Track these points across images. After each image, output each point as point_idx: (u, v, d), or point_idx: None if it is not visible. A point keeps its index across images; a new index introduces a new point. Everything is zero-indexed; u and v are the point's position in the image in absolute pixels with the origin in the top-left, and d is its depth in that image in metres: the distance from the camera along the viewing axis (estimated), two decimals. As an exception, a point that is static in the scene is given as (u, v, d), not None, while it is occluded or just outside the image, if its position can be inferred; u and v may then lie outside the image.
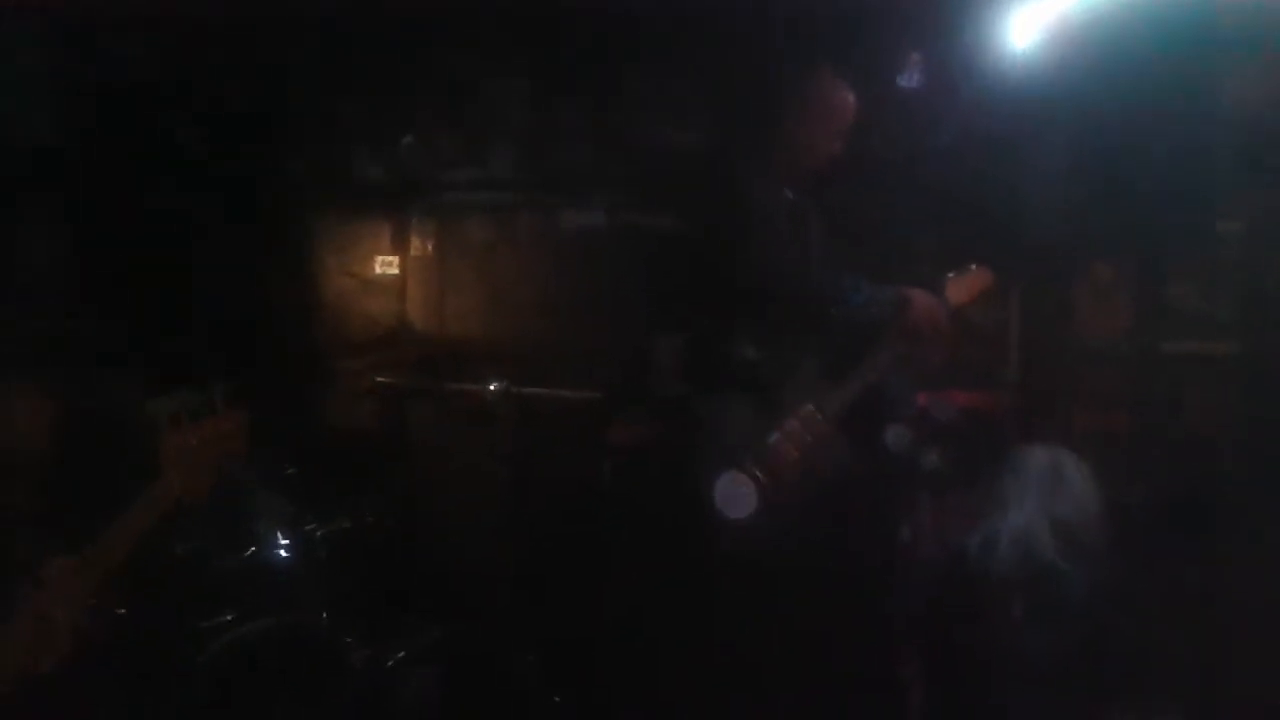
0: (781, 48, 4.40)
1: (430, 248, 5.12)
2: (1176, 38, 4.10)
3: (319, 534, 3.39)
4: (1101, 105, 4.35)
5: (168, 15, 4.33)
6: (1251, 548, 4.07)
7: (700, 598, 3.59)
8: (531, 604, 4.05)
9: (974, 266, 3.72)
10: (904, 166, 4.45)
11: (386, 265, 5.10)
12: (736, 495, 3.38)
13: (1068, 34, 4.04)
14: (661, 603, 3.87)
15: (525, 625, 3.99)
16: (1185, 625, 3.49)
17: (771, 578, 3.48)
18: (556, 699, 3.67)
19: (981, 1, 4.12)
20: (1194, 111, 4.38)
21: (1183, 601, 3.60)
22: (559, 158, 5.07)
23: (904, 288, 3.61)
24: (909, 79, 4.21)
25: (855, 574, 3.57)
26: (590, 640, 4.02)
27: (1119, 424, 4.72)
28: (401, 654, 3.37)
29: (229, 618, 3.19)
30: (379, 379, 4.38)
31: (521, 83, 5.04)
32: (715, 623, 3.56)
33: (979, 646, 3.46)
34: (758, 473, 3.39)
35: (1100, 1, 3.82)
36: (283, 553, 3.26)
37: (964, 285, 3.69)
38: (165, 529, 2.59)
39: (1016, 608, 3.22)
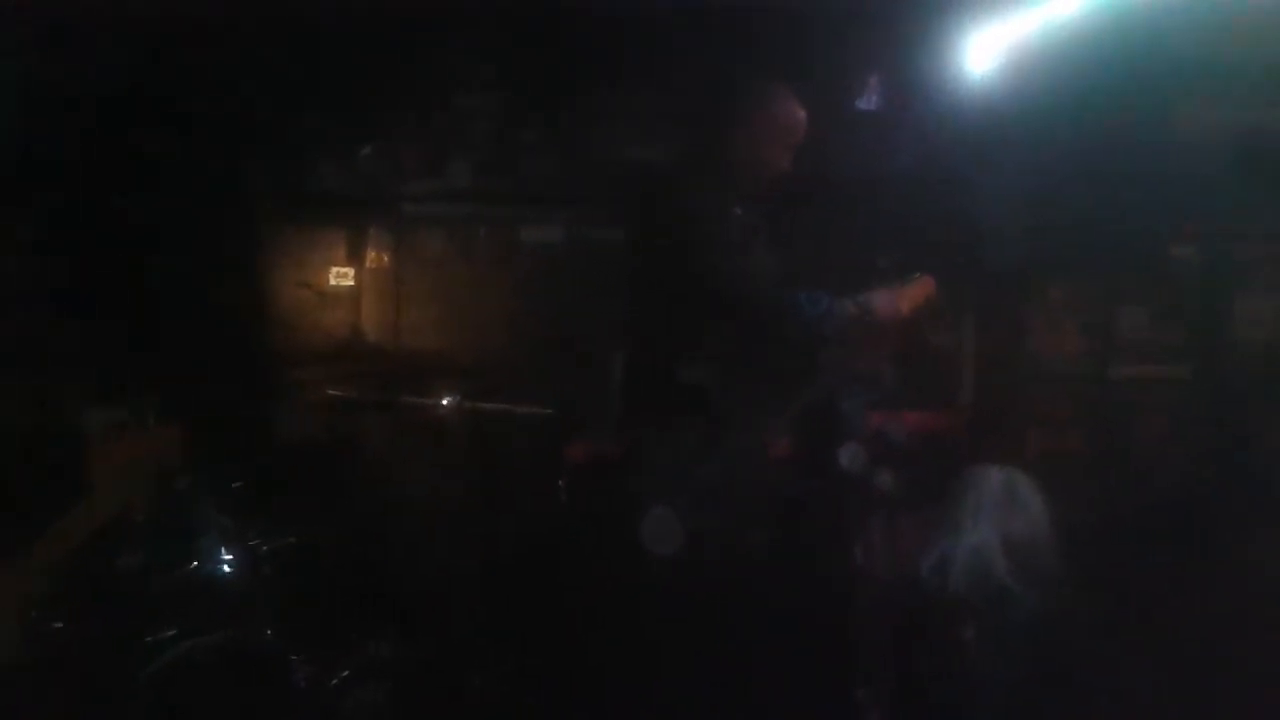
0: (734, 64, 4.42)
1: (387, 260, 5.08)
2: (1132, 65, 4.15)
3: (265, 549, 3.34)
4: (1056, 130, 4.39)
5: (127, 22, 4.30)
6: (1204, 566, 4.11)
7: (656, 618, 3.57)
8: (483, 622, 4.01)
9: (917, 275, 3.71)
10: (859, 185, 4.47)
11: (341, 277, 5.05)
12: (660, 531, 3.37)
13: (1024, 59, 4.08)
14: (618, 621, 3.86)
15: (476, 643, 3.95)
16: (1139, 646, 3.50)
17: (724, 599, 3.46)
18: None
19: (939, 25, 4.14)
20: (1148, 138, 4.44)
21: (1136, 621, 3.63)
22: (517, 171, 5.06)
23: (865, 294, 3.61)
24: (867, 101, 4.23)
25: (808, 594, 3.56)
26: (543, 659, 3.98)
27: (1071, 444, 4.76)
28: (346, 672, 3.33)
29: (172, 633, 3.13)
30: (331, 392, 4.33)
31: (481, 97, 5.03)
32: (671, 642, 3.54)
33: (934, 668, 3.46)
34: (681, 507, 3.38)
35: (1057, 28, 3.85)
36: (227, 568, 3.21)
37: (908, 295, 3.68)
38: (102, 542, 2.54)
39: (969, 629, 3.22)
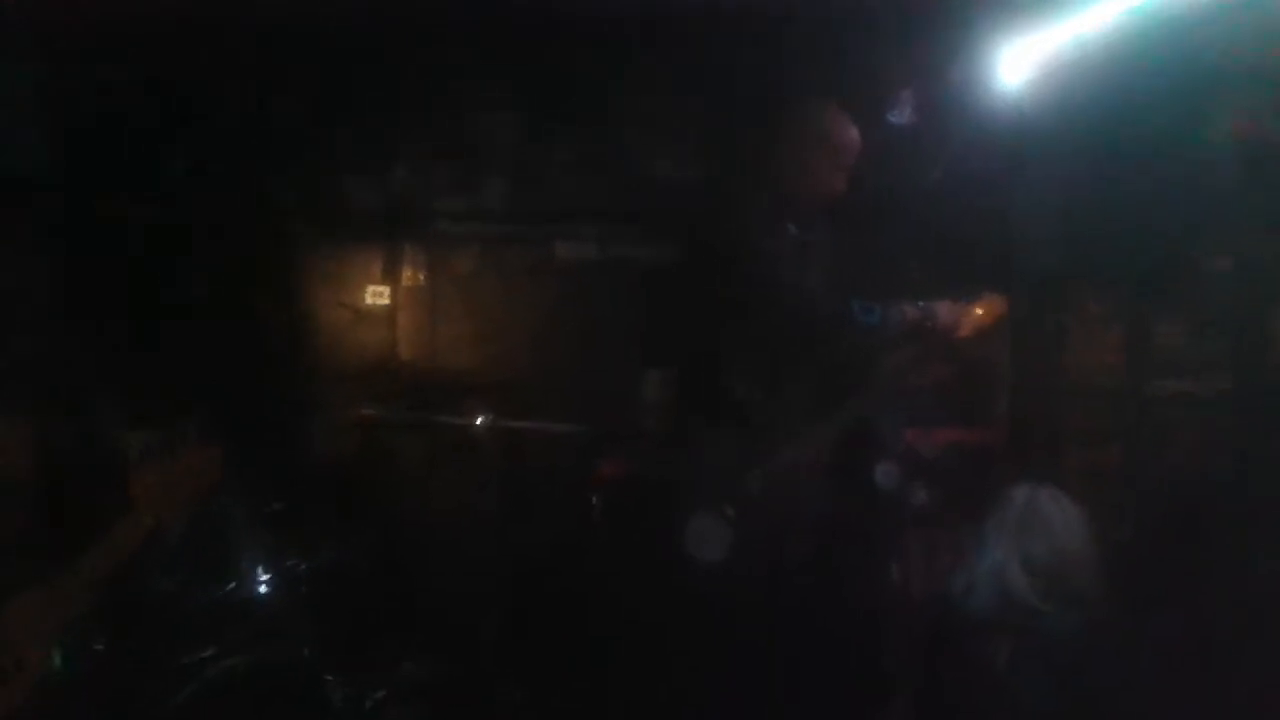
0: (778, 79, 4.42)
1: (422, 278, 5.10)
2: (1167, 76, 4.11)
3: (302, 569, 3.37)
4: (1093, 142, 4.36)
5: (159, 36, 4.35)
6: (1240, 584, 4.06)
7: (688, 634, 3.57)
8: (518, 641, 4.02)
9: (986, 294, 3.71)
10: (899, 201, 4.46)
11: (378, 295, 5.08)
12: (708, 537, 3.37)
13: (1061, 72, 4.05)
14: (649, 639, 3.86)
15: (512, 662, 3.96)
16: (1173, 667, 3.46)
17: (757, 615, 3.46)
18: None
19: (975, 38, 4.12)
20: (1184, 149, 4.40)
21: (1170, 642, 3.58)
22: (552, 189, 5.07)
23: (927, 301, 3.62)
24: (900, 115, 4.22)
25: (842, 612, 3.55)
26: (577, 677, 3.99)
27: (1108, 461, 4.71)
28: (383, 692, 3.34)
29: (209, 653, 3.16)
30: (366, 411, 4.36)
31: (516, 113, 5.05)
32: (703, 659, 3.54)
33: (966, 687, 3.44)
34: (730, 514, 3.38)
35: (1091, 40, 3.82)
36: (264, 588, 3.23)
37: (975, 312, 3.68)
38: (140, 563, 2.57)
39: (998, 649, 3.19)
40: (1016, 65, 4.08)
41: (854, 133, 3.60)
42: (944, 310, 3.61)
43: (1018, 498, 3.21)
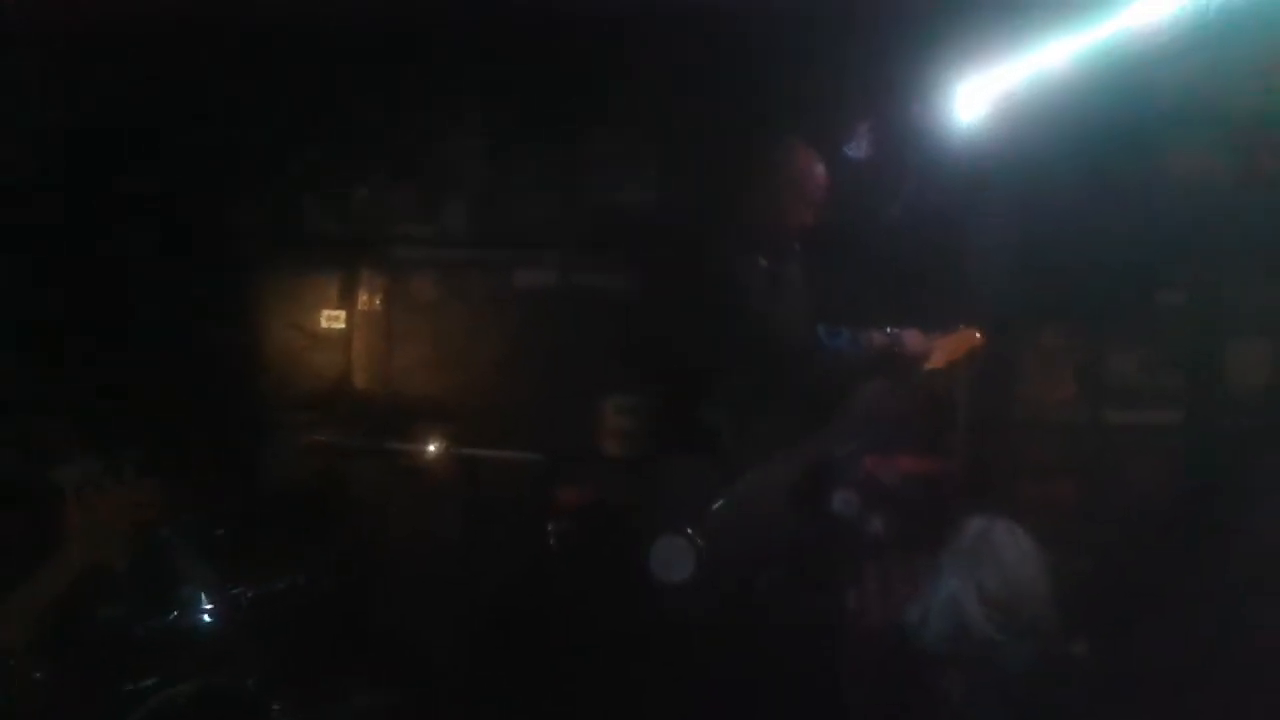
0: (753, 117, 4.44)
1: (379, 303, 5.06)
2: (1120, 114, 4.16)
3: (249, 596, 3.31)
4: (1050, 177, 4.40)
5: (110, 59, 4.30)
6: (1196, 615, 4.07)
7: (646, 663, 3.55)
8: (474, 671, 3.97)
9: (962, 327, 3.74)
10: (858, 235, 4.48)
11: (333, 320, 5.03)
12: (673, 558, 3.37)
13: (1018, 107, 4.09)
14: (608, 668, 3.83)
15: (467, 693, 3.91)
16: (1128, 697, 3.46)
17: (714, 642, 3.44)
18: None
19: (932, 75, 4.16)
20: (1138, 184, 4.45)
21: (1128, 674, 3.59)
22: (512, 215, 5.05)
23: (894, 330, 3.64)
24: (857, 149, 4.24)
25: (799, 639, 3.53)
26: (534, 707, 3.94)
27: (1063, 492, 4.74)
28: (330, 723, 3.30)
29: (153, 681, 3.10)
30: (318, 437, 4.31)
31: (477, 139, 5.03)
32: (661, 687, 3.52)
33: (921, 713, 3.42)
34: (696, 537, 3.37)
35: (1048, 75, 3.86)
36: (211, 615, 3.18)
37: (951, 344, 3.71)
38: (82, 591, 2.51)
39: (956, 680, 3.18)
40: (974, 100, 4.12)
41: (821, 170, 3.63)
42: (912, 339, 3.64)
43: (973, 529, 3.22)
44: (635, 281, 4.66)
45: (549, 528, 4.23)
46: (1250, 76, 4.13)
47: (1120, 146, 4.32)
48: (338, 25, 4.43)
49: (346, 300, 5.02)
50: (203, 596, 3.18)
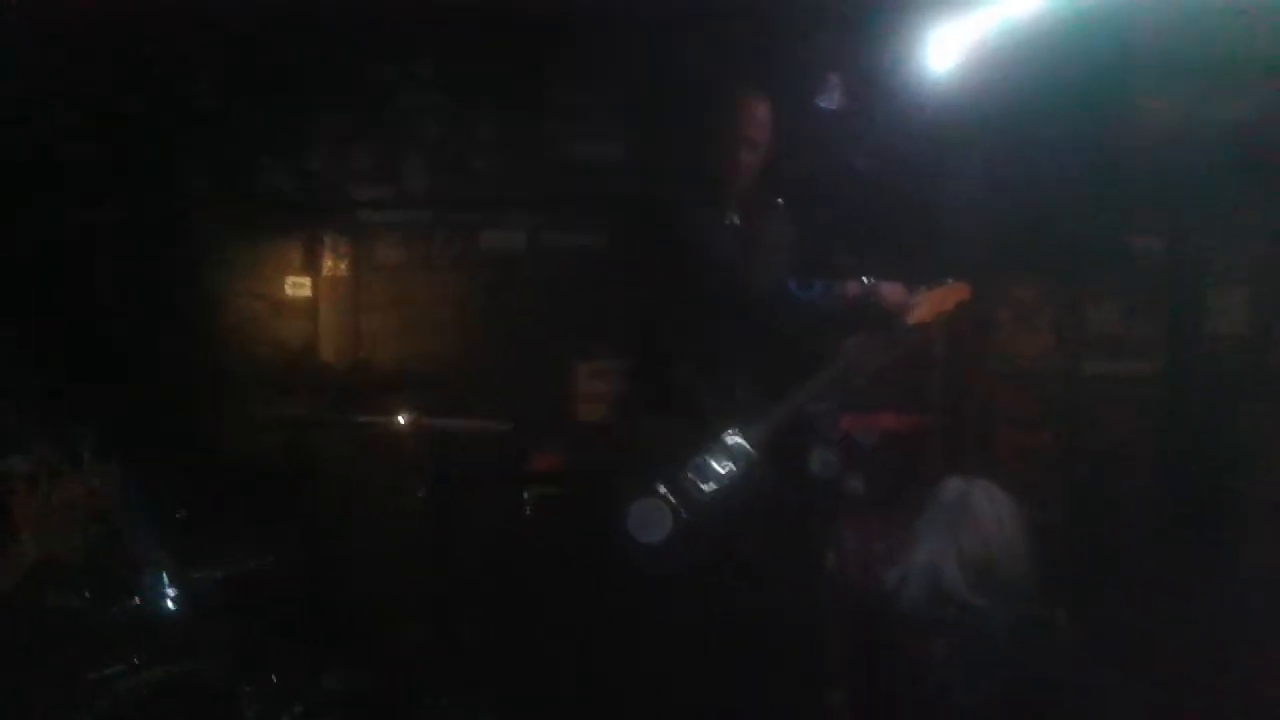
0: (702, 65, 4.36)
1: (344, 268, 4.96)
2: (1094, 60, 4.10)
3: (214, 577, 3.24)
4: (1021, 127, 4.35)
5: (68, 21, 4.18)
6: (1176, 567, 4.08)
7: (624, 627, 3.52)
8: (446, 648, 3.92)
9: (950, 280, 3.65)
10: (828, 187, 4.42)
11: (296, 287, 4.92)
12: (650, 519, 3.33)
13: (990, 55, 4.03)
14: (583, 637, 3.80)
15: (439, 670, 3.86)
16: (1114, 657, 3.45)
17: (693, 608, 3.41)
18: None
19: (902, 23, 4.09)
20: (1111, 133, 4.40)
21: (1110, 630, 3.58)
22: (478, 175, 4.96)
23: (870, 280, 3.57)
24: (829, 100, 4.16)
25: (777, 598, 3.50)
26: (508, 684, 3.91)
27: (1042, 444, 4.72)
28: (300, 707, 3.24)
29: (117, 670, 3.03)
30: (282, 409, 4.22)
31: (439, 96, 4.92)
32: (637, 654, 3.49)
33: (900, 680, 3.41)
34: (671, 497, 3.33)
35: (1018, 24, 3.79)
36: (175, 599, 3.10)
37: (938, 297, 3.62)
38: (39, 580, 2.43)
39: (932, 643, 3.16)
40: (945, 49, 4.05)
41: (762, 115, 3.55)
42: (891, 290, 3.56)
43: (951, 491, 3.18)
44: (602, 241, 4.58)
45: (524, 496, 4.18)
46: (1228, 18, 4.07)
47: (1095, 92, 4.26)
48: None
49: (310, 266, 4.92)
50: (165, 580, 3.11)
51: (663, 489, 3.36)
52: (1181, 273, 4.63)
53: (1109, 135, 4.36)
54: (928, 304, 3.58)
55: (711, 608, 3.39)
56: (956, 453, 4.49)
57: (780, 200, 3.67)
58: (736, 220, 3.59)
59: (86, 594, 2.98)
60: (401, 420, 3.83)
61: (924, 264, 3.91)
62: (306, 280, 4.92)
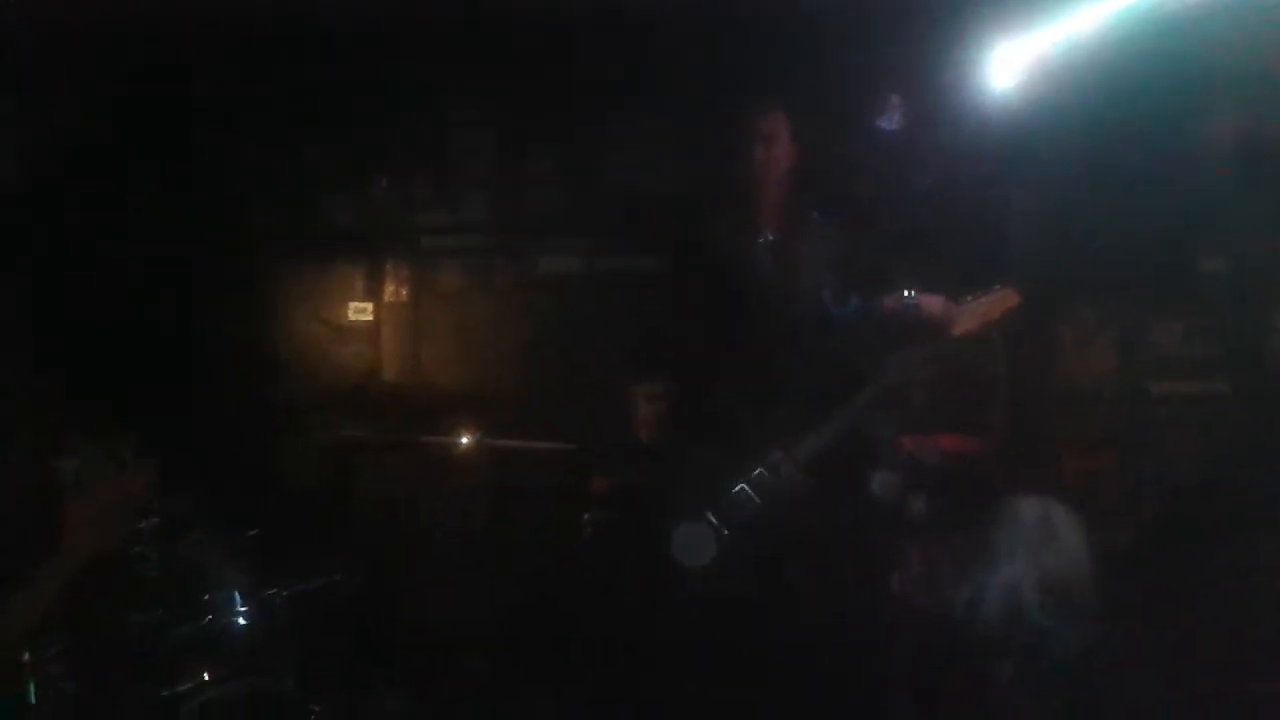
0: (746, 88, 4.37)
1: (405, 294, 5.02)
2: (1158, 78, 4.07)
3: (283, 596, 3.28)
4: (1085, 145, 4.31)
5: (132, 52, 4.27)
6: (1241, 587, 4.00)
7: (682, 651, 3.50)
8: (507, 666, 3.93)
9: (998, 286, 3.58)
10: (891, 205, 4.40)
11: (359, 312, 4.99)
12: (695, 544, 3.32)
13: (1049, 74, 4.00)
14: (643, 658, 3.79)
15: (501, 686, 3.88)
16: (1178, 676, 3.40)
17: (755, 629, 3.40)
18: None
19: (961, 39, 4.07)
20: (1175, 152, 4.35)
21: (1174, 649, 3.52)
22: (533, 203, 5.01)
23: (911, 293, 3.53)
24: (889, 121, 4.16)
25: (840, 623, 3.48)
26: (568, 701, 3.91)
27: (1107, 465, 4.66)
28: (369, 721, 3.28)
29: (189, 686, 3.08)
30: (348, 432, 4.28)
31: (496, 128, 4.98)
32: (697, 675, 3.47)
33: (968, 703, 3.37)
34: (716, 521, 3.32)
35: (1080, 42, 3.77)
36: (244, 618, 3.15)
37: (985, 307, 3.55)
38: (115, 598, 2.47)
39: (1005, 666, 3.12)
40: (1009, 66, 4.03)
41: (788, 135, 3.54)
42: (933, 303, 3.50)
43: (1030, 513, 3.14)
44: (651, 265, 4.61)
45: (584, 518, 4.19)
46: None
47: (1158, 112, 4.23)
48: (356, 16, 4.39)
49: (372, 293, 4.99)
50: (237, 598, 3.16)
51: (708, 513, 3.36)
52: (1247, 292, 4.57)
53: (1174, 151, 4.32)
54: (974, 314, 3.51)
55: (767, 630, 3.38)
56: (1022, 475, 4.44)
57: (816, 214, 3.65)
58: (770, 237, 3.59)
59: (161, 611, 3.04)
60: (463, 441, 3.87)
61: (981, 281, 3.87)
62: (369, 306, 4.99)
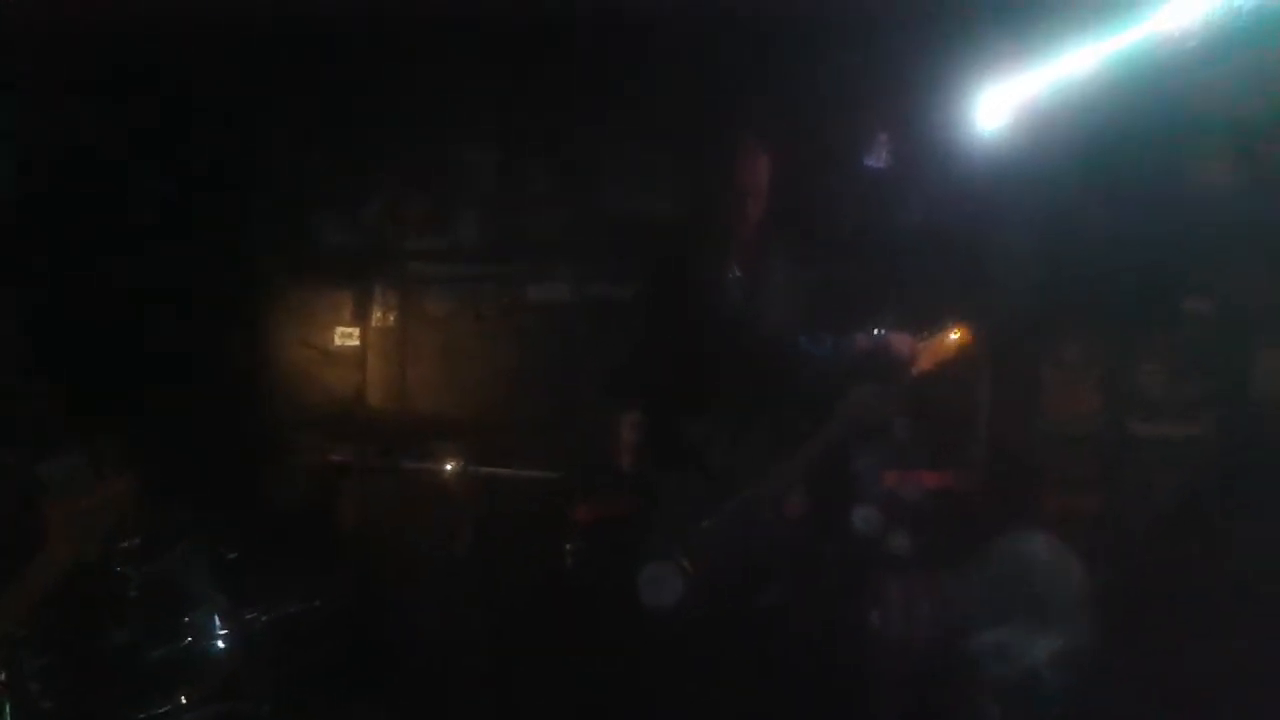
0: (731, 119, 4.39)
1: (392, 319, 5.02)
2: (1144, 121, 4.11)
3: (263, 620, 3.27)
4: (1069, 185, 4.35)
5: (126, 70, 4.28)
6: (1230, 630, 4.01)
7: (663, 682, 3.50)
8: (490, 692, 3.92)
9: (953, 327, 3.62)
10: (876, 239, 4.43)
11: (346, 337, 4.99)
12: (662, 583, 3.32)
13: (1040, 114, 4.04)
14: (625, 686, 3.78)
15: (482, 711, 3.86)
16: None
17: (735, 663, 3.39)
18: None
19: (951, 83, 4.11)
20: (1161, 193, 4.39)
21: (1162, 683, 3.52)
22: (523, 229, 5.01)
23: (881, 331, 3.55)
24: (876, 158, 4.19)
25: (820, 657, 3.48)
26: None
27: (1089, 505, 4.67)
28: (347, 748, 3.25)
29: (166, 709, 3.06)
30: (332, 457, 4.26)
31: (487, 153, 5.00)
32: (677, 708, 3.46)
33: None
34: (684, 561, 3.32)
35: (1069, 85, 3.81)
36: (221, 642, 3.13)
37: (937, 346, 3.59)
38: (93, 617, 2.46)
39: (991, 704, 3.12)
40: (996, 106, 4.06)
41: (761, 165, 3.57)
42: (899, 341, 3.54)
43: (1016, 551, 3.15)
44: (629, 293, 4.61)
45: (565, 546, 4.18)
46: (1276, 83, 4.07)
47: (1145, 153, 4.27)
48: (349, 35, 4.40)
49: (359, 317, 4.98)
50: (216, 621, 3.14)
51: (675, 552, 3.34)
52: (1230, 334, 4.60)
53: (1159, 193, 4.35)
54: (928, 353, 3.55)
55: (753, 665, 3.37)
56: (1005, 512, 4.45)
57: (796, 249, 3.67)
58: (738, 273, 3.60)
59: (140, 631, 3.02)
60: (448, 467, 3.86)
61: (963, 319, 3.90)
62: (355, 330, 4.98)
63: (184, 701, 3.09)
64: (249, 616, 3.21)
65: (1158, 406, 4.68)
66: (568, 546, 4.17)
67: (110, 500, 2.49)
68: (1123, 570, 4.46)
